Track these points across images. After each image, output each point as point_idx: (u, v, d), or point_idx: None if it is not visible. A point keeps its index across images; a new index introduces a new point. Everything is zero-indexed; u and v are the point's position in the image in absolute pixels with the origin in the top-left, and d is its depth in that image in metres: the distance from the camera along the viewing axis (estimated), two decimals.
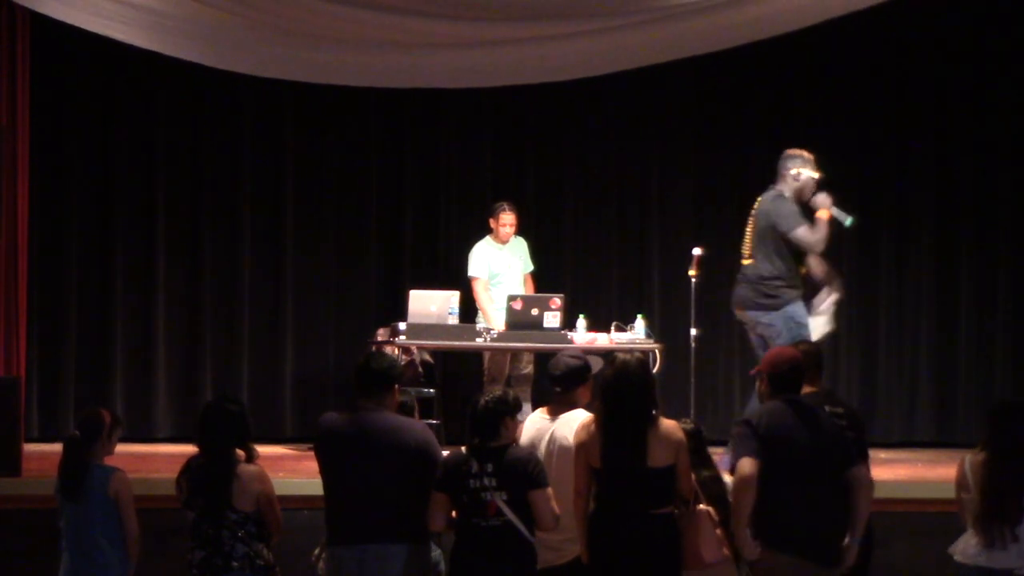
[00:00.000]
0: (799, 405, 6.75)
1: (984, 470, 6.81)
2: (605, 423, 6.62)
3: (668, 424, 6.65)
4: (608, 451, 6.57)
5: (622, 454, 6.54)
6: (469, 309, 11.62)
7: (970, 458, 6.93)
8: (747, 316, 10.43)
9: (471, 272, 11.71)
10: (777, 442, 6.61)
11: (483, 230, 11.91)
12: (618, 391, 6.64)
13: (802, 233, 10.19)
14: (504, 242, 11.75)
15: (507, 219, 11.72)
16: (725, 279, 12.82)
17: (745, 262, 10.42)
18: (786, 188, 10.31)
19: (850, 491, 6.65)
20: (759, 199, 10.40)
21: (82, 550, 7.17)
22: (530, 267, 11.91)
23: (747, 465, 6.57)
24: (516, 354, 11.48)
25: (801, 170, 10.29)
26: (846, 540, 6.67)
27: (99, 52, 11.81)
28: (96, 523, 7.15)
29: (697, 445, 7.02)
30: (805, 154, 10.35)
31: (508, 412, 6.63)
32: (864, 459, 7.05)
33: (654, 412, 6.63)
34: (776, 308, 10.23)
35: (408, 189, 12.83)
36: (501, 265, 11.75)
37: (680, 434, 6.65)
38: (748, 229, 10.41)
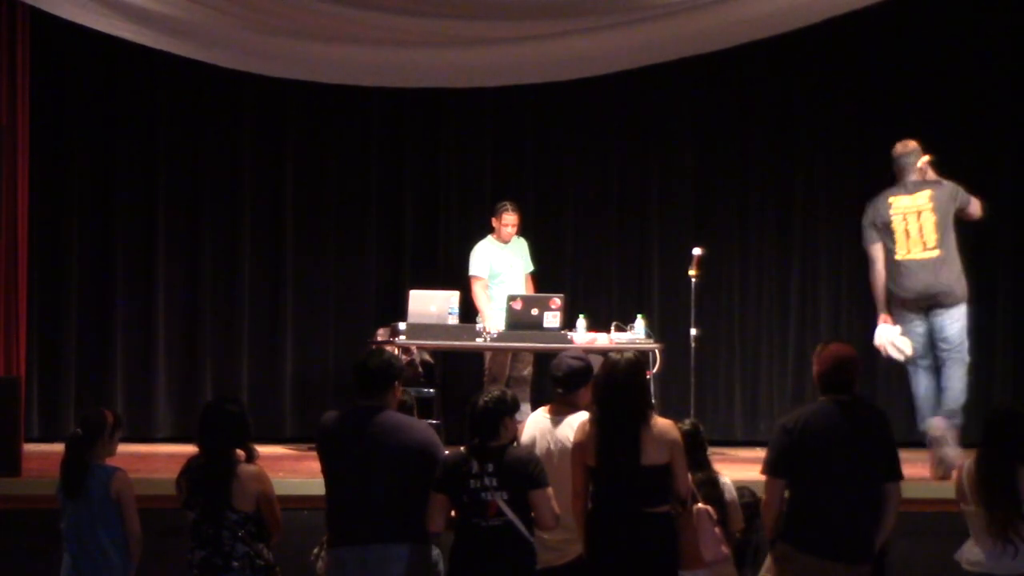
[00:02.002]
0: (845, 407, 6.67)
1: (980, 478, 6.78)
2: (599, 422, 6.62)
3: (662, 423, 6.65)
4: (602, 450, 6.56)
5: (616, 453, 6.54)
6: (469, 309, 11.61)
7: (967, 466, 6.91)
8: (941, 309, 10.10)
9: (472, 271, 11.71)
10: (813, 445, 6.57)
11: (483, 230, 11.90)
12: (610, 391, 6.64)
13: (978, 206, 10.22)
14: (506, 242, 11.76)
15: (509, 219, 11.71)
16: (725, 278, 12.89)
17: (932, 254, 10.06)
18: (925, 178, 10.29)
19: (881, 503, 6.64)
20: (928, 195, 10.09)
21: (84, 550, 7.17)
22: (531, 267, 11.91)
23: (772, 487, 6.65)
24: (516, 355, 11.48)
25: (920, 159, 10.28)
26: None
27: (99, 52, 11.82)
28: (98, 523, 7.15)
29: (694, 446, 7.02)
30: (910, 144, 10.32)
31: (507, 412, 6.63)
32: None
33: (649, 411, 6.64)
34: (968, 301, 10.13)
35: (408, 189, 12.82)
36: (503, 264, 11.74)
37: (675, 433, 6.64)
38: (927, 223, 10.07)
